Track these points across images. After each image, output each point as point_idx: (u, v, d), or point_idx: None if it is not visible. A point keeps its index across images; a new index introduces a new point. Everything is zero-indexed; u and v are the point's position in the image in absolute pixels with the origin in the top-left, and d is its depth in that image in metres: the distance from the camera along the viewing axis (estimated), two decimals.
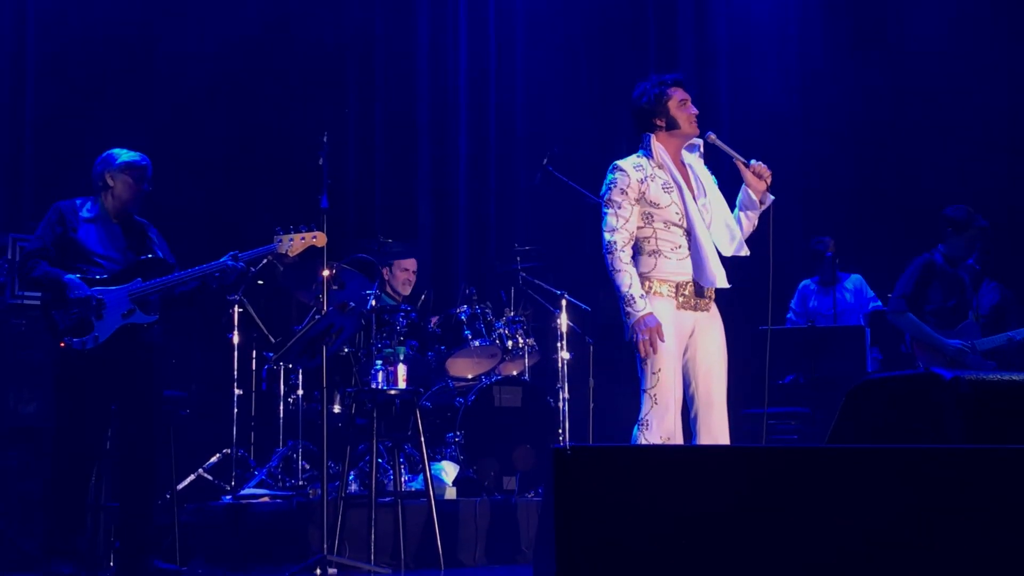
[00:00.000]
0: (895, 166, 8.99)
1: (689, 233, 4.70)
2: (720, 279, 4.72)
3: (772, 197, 4.83)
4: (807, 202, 8.99)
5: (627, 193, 4.69)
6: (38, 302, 5.77)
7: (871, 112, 9.14)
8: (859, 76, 9.15)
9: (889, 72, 9.09)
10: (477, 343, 7.04)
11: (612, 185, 4.73)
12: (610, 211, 4.71)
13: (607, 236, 4.69)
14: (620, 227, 4.68)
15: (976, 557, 2.42)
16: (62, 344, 5.40)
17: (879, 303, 7.91)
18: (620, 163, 4.77)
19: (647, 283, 4.68)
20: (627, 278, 4.63)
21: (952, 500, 2.45)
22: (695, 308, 4.72)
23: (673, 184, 4.74)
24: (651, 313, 4.59)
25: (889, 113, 9.11)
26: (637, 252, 4.74)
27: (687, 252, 4.71)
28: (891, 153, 9.05)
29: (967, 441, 2.71)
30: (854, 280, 8.12)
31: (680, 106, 4.78)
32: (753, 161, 4.81)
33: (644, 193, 4.70)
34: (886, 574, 2.40)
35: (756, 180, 4.81)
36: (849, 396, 3.06)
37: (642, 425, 4.59)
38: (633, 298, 4.60)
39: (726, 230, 4.79)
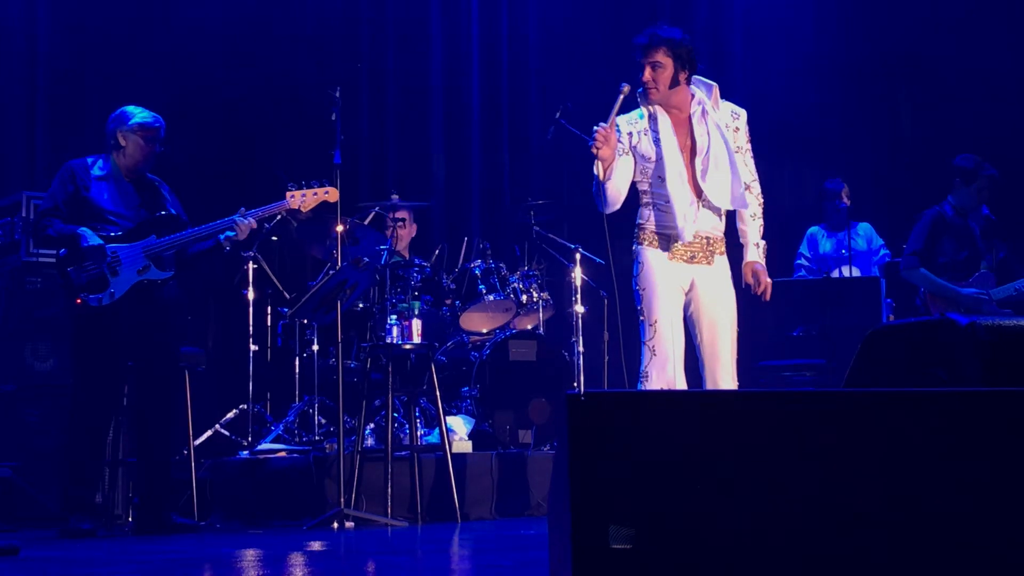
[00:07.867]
0: (908, 116, 8.90)
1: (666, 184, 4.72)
2: (687, 232, 4.68)
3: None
4: (818, 151, 8.91)
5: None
6: (53, 259, 5.78)
7: (883, 57, 9.04)
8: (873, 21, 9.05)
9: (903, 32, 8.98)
10: (491, 297, 7.03)
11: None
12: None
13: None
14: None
15: (993, 500, 2.41)
16: (78, 301, 5.41)
17: (889, 253, 7.87)
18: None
19: (642, 234, 4.79)
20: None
21: (969, 444, 2.44)
22: (691, 260, 4.72)
23: (662, 137, 4.75)
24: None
25: (903, 63, 9.01)
26: (639, 204, 4.83)
27: None
28: (905, 103, 8.96)
29: (984, 386, 2.69)
30: (864, 227, 8.08)
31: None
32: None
33: (635, 147, 4.77)
34: (901, 517, 2.39)
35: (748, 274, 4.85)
36: (865, 342, 3.04)
37: (643, 377, 4.65)
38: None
39: (719, 185, 4.73)
